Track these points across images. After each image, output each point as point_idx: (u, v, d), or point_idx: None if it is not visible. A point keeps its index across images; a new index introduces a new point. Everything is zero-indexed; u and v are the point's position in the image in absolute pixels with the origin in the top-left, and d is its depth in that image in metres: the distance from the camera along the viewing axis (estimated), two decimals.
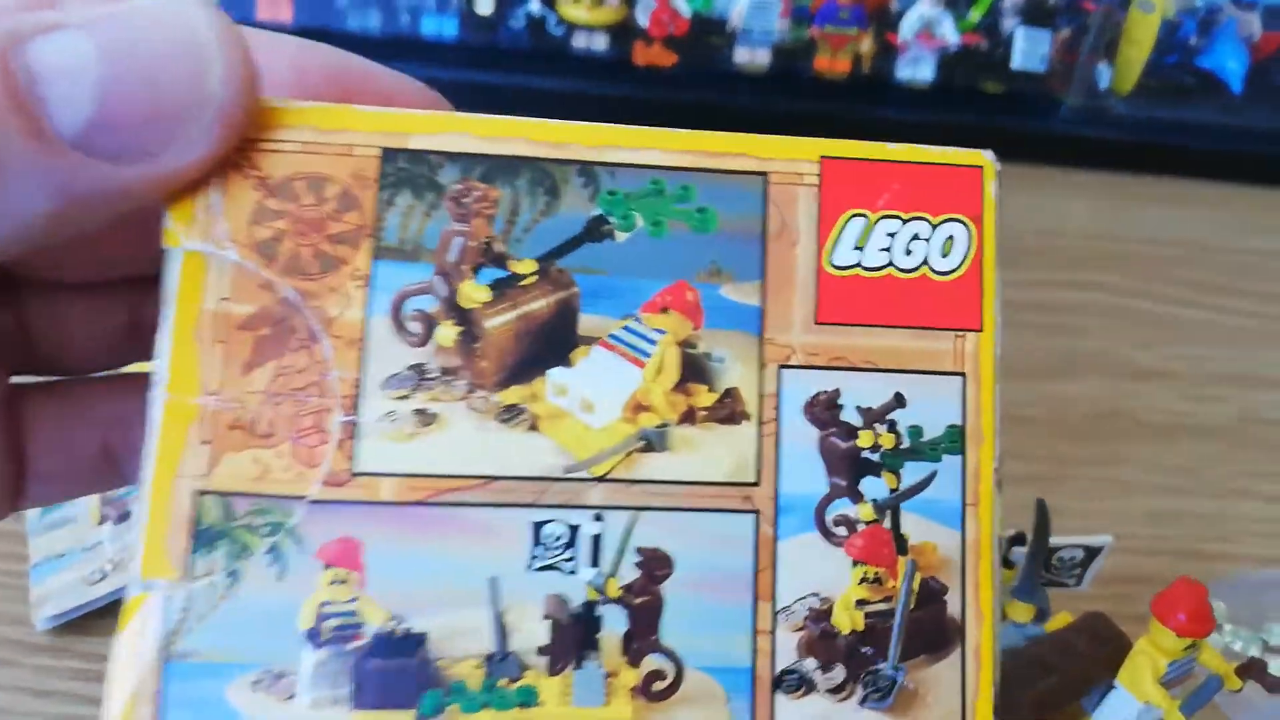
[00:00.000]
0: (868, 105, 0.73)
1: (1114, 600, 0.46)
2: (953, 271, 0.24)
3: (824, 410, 0.24)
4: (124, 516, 0.41)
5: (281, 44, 0.25)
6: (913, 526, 0.24)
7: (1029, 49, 0.74)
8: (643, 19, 0.75)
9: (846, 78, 0.76)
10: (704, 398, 0.23)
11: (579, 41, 0.77)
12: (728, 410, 0.23)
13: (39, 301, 0.23)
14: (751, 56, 0.76)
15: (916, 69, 0.76)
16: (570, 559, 0.22)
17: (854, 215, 0.24)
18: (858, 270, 0.24)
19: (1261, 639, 0.44)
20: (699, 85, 0.74)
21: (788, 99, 0.72)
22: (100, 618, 0.43)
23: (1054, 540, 0.40)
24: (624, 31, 0.77)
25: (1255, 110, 0.74)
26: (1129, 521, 0.55)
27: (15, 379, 0.24)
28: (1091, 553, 0.43)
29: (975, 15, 0.73)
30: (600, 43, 0.78)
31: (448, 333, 0.23)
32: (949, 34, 0.73)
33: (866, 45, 0.75)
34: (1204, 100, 0.75)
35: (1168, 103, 0.73)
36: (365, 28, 0.75)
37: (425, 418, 0.22)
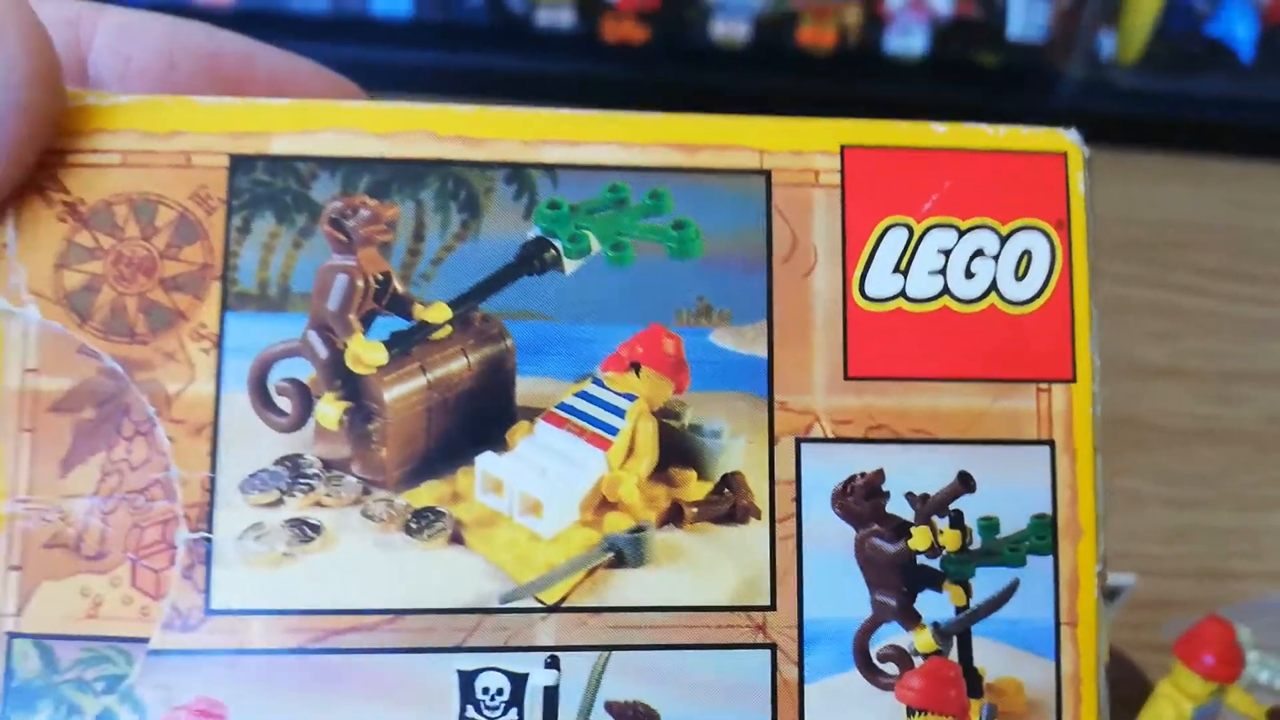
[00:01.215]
0: (855, 81, 0.84)
1: (1130, 629, 0.50)
2: (1032, 300, 0.24)
3: (862, 500, 0.23)
4: None
5: (146, 26, 0.26)
6: (989, 657, 0.24)
7: (1026, 17, 0.84)
8: None
9: (832, 51, 0.86)
10: (694, 488, 0.23)
11: (543, 17, 0.86)
12: (728, 505, 0.23)
13: None
14: (730, 29, 0.86)
15: (907, 40, 0.85)
16: None
17: (892, 225, 0.24)
18: (900, 303, 0.24)
19: None
20: (674, 62, 0.86)
21: (770, 75, 0.86)
22: None
23: None
24: (591, 5, 0.85)
25: (1266, 79, 0.85)
26: (1145, 539, 0.60)
27: None
28: (1113, 592, 0.49)
29: None
30: (566, 18, 0.86)
31: (331, 410, 0.23)
32: (941, 3, 0.83)
33: (853, 16, 0.86)
34: (1213, 70, 0.86)
35: (1175, 73, 0.84)
36: (311, 9, 0.84)
37: (304, 532, 0.22)
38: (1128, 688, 0.43)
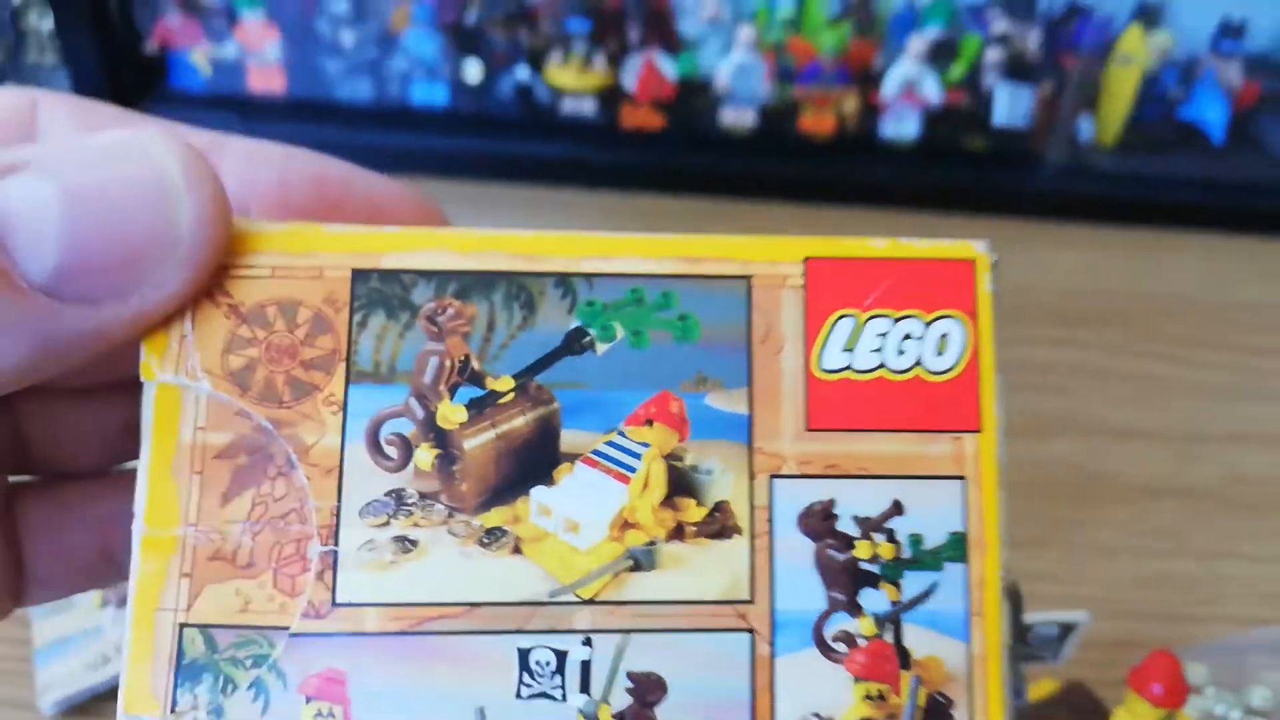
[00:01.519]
0: (853, 164, 0.92)
1: (1098, 667, 0.56)
2: (949, 371, 0.31)
3: (819, 521, 0.30)
4: (125, 600, 0.48)
5: (265, 154, 0.31)
6: (916, 640, 0.30)
7: (1010, 105, 0.91)
8: (629, 82, 0.95)
9: (832, 137, 0.94)
10: (693, 512, 0.29)
11: (567, 106, 0.94)
12: (718, 525, 0.29)
13: (33, 405, 0.30)
14: (738, 117, 0.94)
15: (900, 127, 0.93)
16: (559, 686, 0.28)
17: (841, 316, 0.31)
18: (848, 373, 0.30)
19: (1244, 702, 0.53)
20: (687, 147, 0.94)
21: (775, 159, 0.90)
22: (105, 700, 0.57)
23: (1030, 617, 0.47)
24: (611, 95, 0.95)
25: (1237, 160, 0.92)
26: (1113, 585, 0.66)
27: (12, 478, 0.30)
28: (1067, 629, 0.53)
29: (957, 72, 0.92)
30: (588, 107, 0.95)
31: (426, 456, 0.29)
32: (931, 92, 0.91)
33: (851, 104, 0.94)
34: (1186, 152, 0.93)
35: (1150, 155, 0.91)
36: (355, 97, 0.93)
37: (405, 545, 0.29)
38: (1090, 717, 0.47)
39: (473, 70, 0.89)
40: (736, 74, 0.87)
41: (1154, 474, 0.68)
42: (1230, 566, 0.64)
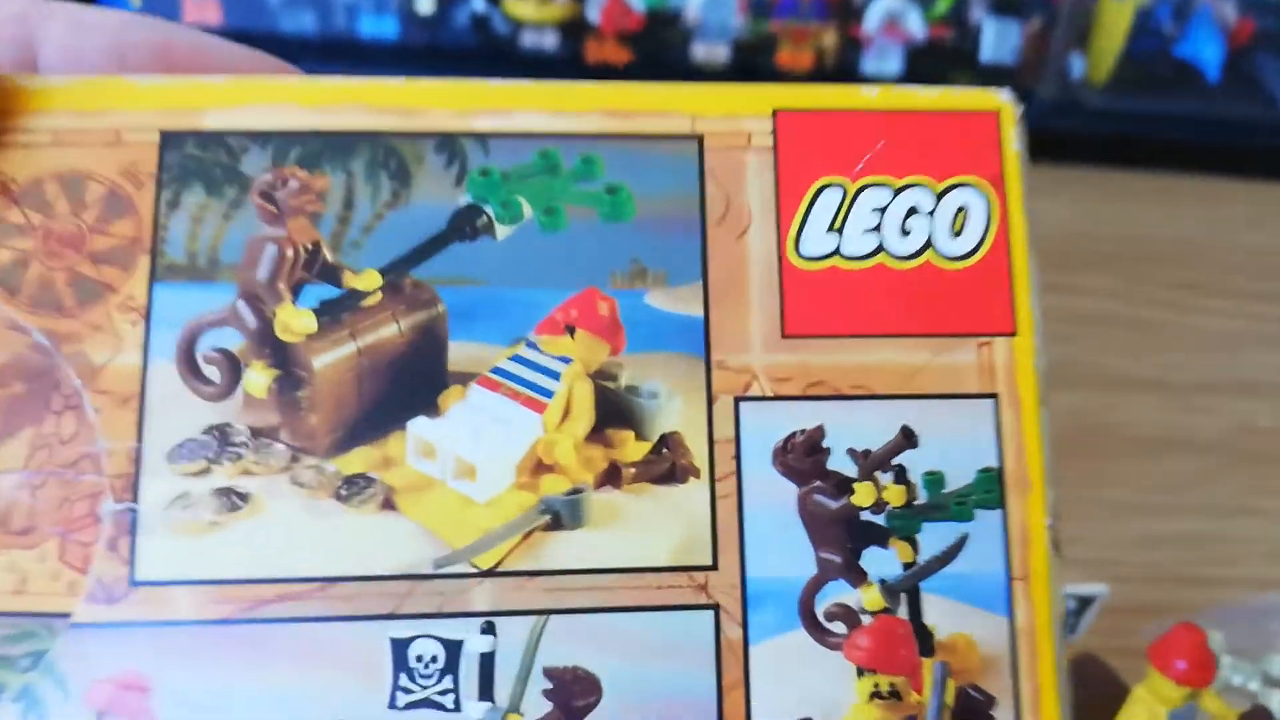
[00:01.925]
0: None
1: (1107, 634, 0.51)
2: (969, 255, 0.24)
3: (803, 457, 0.23)
4: None
5: (98, 20, 0.26)
6: (939, 614, 0.23)
7: (998, 41, 0.86)
8: (594, 14, 0.90)
9: (809, 73, 0.89)
10: (632, 449, 0.23)
11: (527, 39, 0.89)
12: (667, 465, 0.23)
13: None
14: (710, 52, 0.91)
15: (883, 62, 0.88)
16: (449, 690, 0.21)
17: (826, 186, 0.24)
18: (836, 261, 0.24)
19: (1263, 671, 0.50)
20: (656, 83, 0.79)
21: None
22: None
23: None
24: (575, 28, 0.88)
25: (1232, 99, 0.88)
26: (1120, 547, 0.62)
27: None
28: (1084, 602, 0.49)
29: (942, 6, 0.88)
30: (550, 40, 0.90)
31: (259, 378, 0.23)
32: (915, 27, 0.86)
33: (830, 39, 0.89)
34: (1181, 90, 0.90)
35: (1144, 94, 0.87)
36: (300, 29, 0.88)
37: (231, 500, 0.22)
38: (1103, 691, 0.44)
39: (425, 0, 0.84)
40: (708, 6, 0.83)
41: (1159, 426, 0.66)
42: (1244, 524, 0.62)
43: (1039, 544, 0.23)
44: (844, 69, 0.85)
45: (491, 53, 0.86)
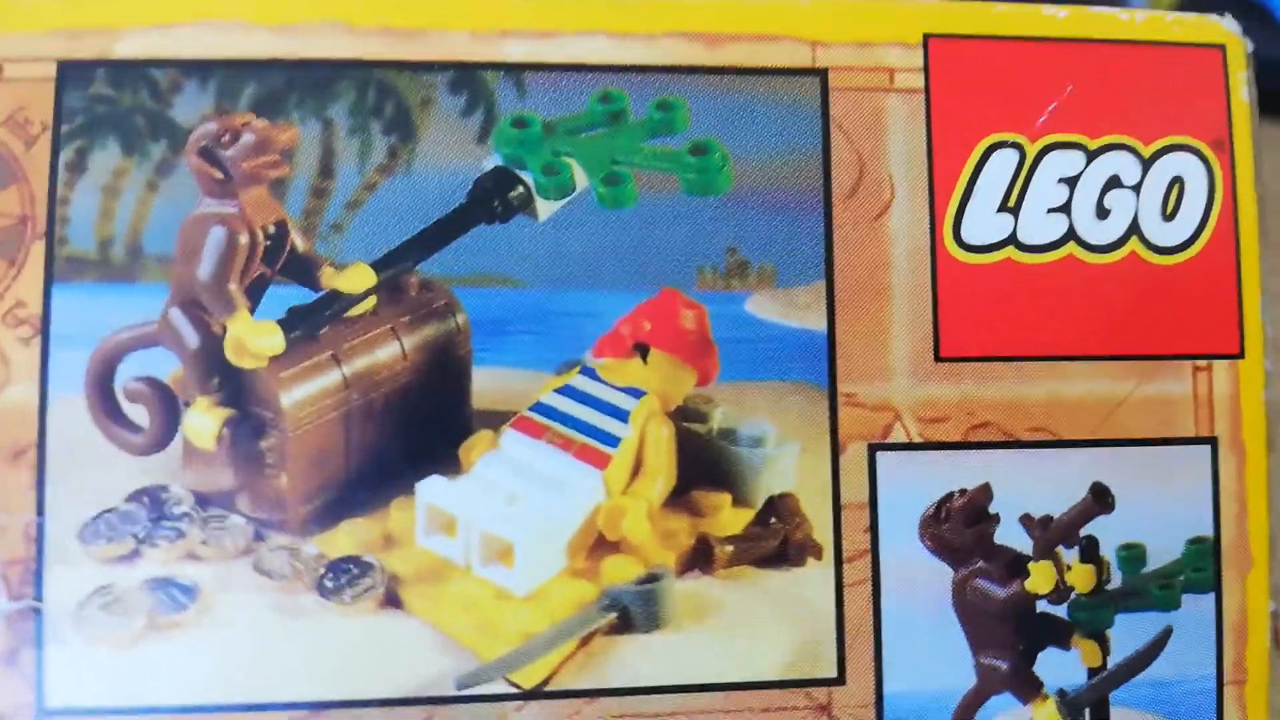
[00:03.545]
0: None
1: None
2: (1186, 246, 0.18)
3: (962, 528, 0.18)
4: None
5: None
6: None
7: None
8: None
9: None
10: (728, 518, 0.18)
11: None
12: (776, 540, 0.17)
13: None
14: None
15: None
16: None
17: (997, 145, 0.18)
18: (1010, 252, 0.18)
19: None
20: None
21: None
22: None
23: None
24: None
25: None
26: None
27: None
28: None
29: None
30: None
31: (205, 421, 0.17)
32: None
33: None
34: (1249, 31, 0.83)
35: None
36: None
37: (172, 596, 0.16)
38: None
39: None
40: None
41: None
42: None
43: (1259, 636, 0.18)
44: None
45: None
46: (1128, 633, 0.18)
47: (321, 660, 0.16)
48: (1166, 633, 0.18)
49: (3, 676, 0.16)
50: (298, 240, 0.17)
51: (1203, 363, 0.18)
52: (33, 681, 0.16)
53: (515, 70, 0.17)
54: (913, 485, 0.18)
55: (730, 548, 0.17)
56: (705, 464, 0.18)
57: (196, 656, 0.16)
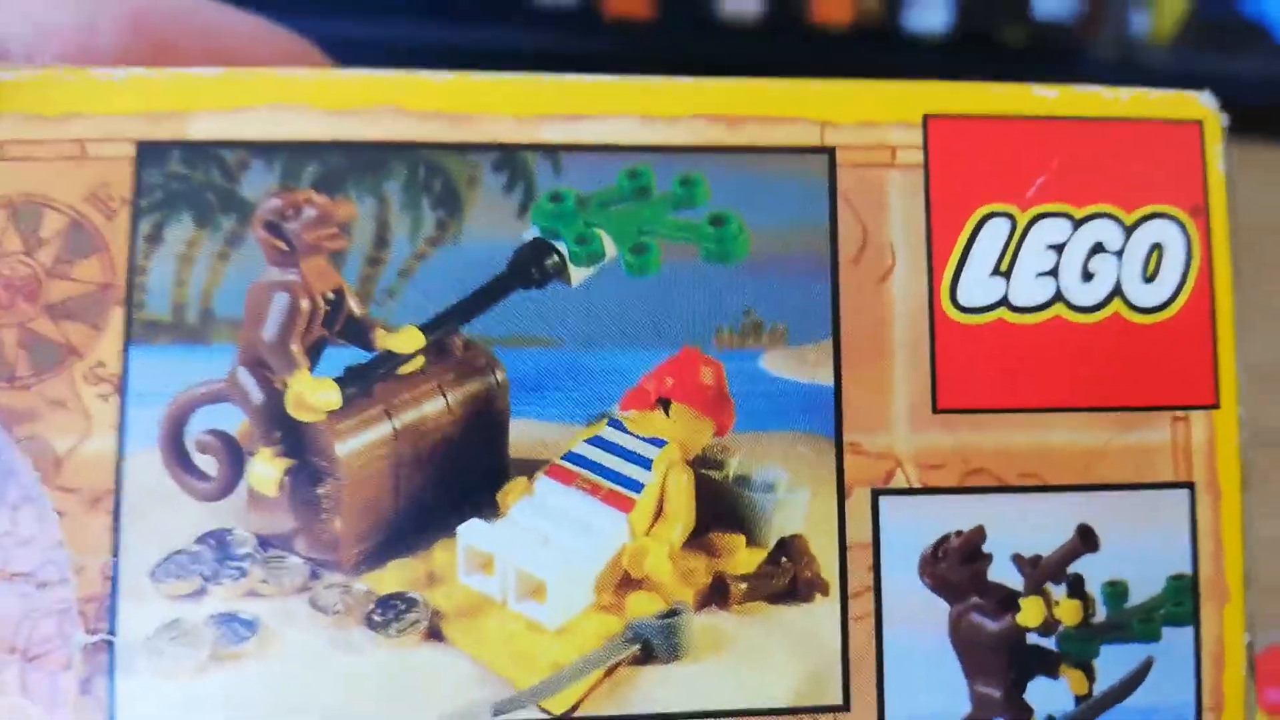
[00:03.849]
0: (873, 59, 0.79)
1: None
2: (1165, 306, 0.19)
3: (958, 565, 0.18)
4: None
5: None
6: None
7: None
8: None
9: (848, 28, 0.82)
10: (743, 558, 0.18)
11: None
12: (786, 578, 0.18)
13: None
14: (739, 5, 0.85)
15: (928, 16, 0.80)
16: None
17: (990, 215, 0.19)
18: (1002, 313, 0.19)
19: None
20: (680, 39, 0.77)
21: (782, 54, 0.75)
22: None
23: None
24: None
25: None
26: None
27: None
28: None
29: None
30: None
31: (268, 470, 0.18)
32: None
33: None
34: (1249, 51, 0.82)
35: (1209, 54, 0.78)
36: None
37: (235, 630, 0.17)
38: None
39: None
40: None
41: None
42: None
43: (1235, 666, 0.19)
44: (886, 23, 0.79)
45: (501, 4, 0.79)
46: (1112, 663, 0.19)
47: (370, 688, 0.17)
48: (1148, 663, 0.19)
49: (78, 704, 0.17)
50: (354, 305, 0.18)
51: (1181, 413, 0.19)
52: (106, 708, 0.17)
53: (552, 150, 0.18)
54: (913, 527, 0.18)
55: (744, 585, 0.18)
56: (722, 508, 0.18)
57: (257, 685, 0.17)
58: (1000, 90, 0.19)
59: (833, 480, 0.18)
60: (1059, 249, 0.19)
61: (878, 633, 0.18)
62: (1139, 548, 0.19)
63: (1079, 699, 0.18)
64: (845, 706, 0.18)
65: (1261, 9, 0.82)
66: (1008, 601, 0.18)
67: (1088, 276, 0.19)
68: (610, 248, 0.18)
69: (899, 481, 0.18)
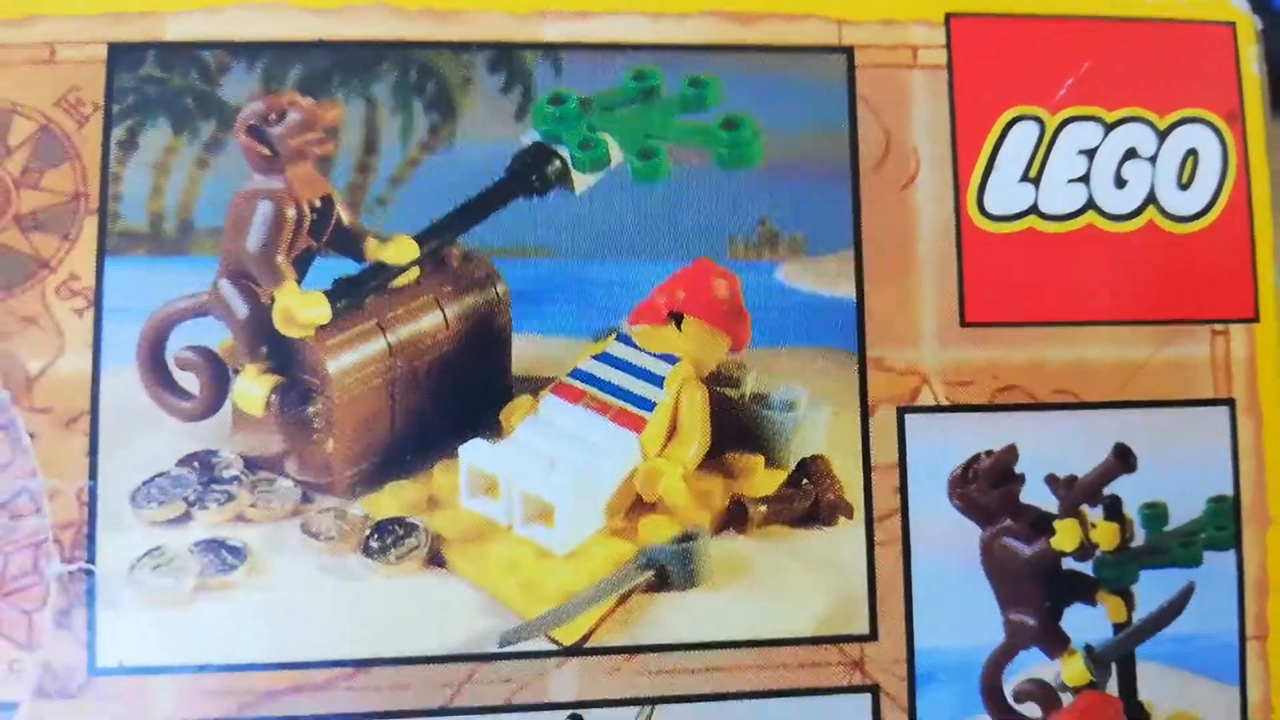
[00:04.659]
0: None
1: None
2: (1201, 214, 0.18)
3: (989, 487, 0.17)
4: None
5: None
6: (1158, 687, 0.18)
7: None
8: None
9: None
10: (761, 479, 0.17)
11: None
12: (808, 500, 0.17)
13: None
14: None
15: None
16: None
17: (1018, 118, 0.18)
18: (1032, 221, 0.18)
19: None
20: None
21: None
22: None
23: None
24: None
25: None
26: None
27: None
28: None
29: None
30: None
31: (254, 388, 0.17)
32: None
33: None
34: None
35: None
36: None
37: (222, 557, 0.16)
38: None
39: None
40: None
41: None
42: None
43: None
44: None
45: None
46: (1152, 589, 0.18)
47: (367, 619, 0.16)
48: (1189, 589, 0.18)
49: (56, 637, 0.16)
50: (343, 214, 0.17)
51: (1220, 327, 0.18)
52: (84, 641, 0.16)
53: (552, 49, 0.17)
54: (941, 447, 0.18)
55: (763, 508, 0.17)
56: (738, 427, 0.18)
57: (245, 616, 0.16)
58: None
59: (855, 398, 0.17)
60: (1090, 154, 0.18)
61: (905, 558, 0.17)
62: (1178, 468, 0.18)
63: (1117, 627, 0.18)
64: (872, 636, 0.17)
65: None
66: (1042, 524, 0.17)
67: (1121, 183, 0.18)
68: (616, 153, 0.17)
69: (925, 399, 0.18)
